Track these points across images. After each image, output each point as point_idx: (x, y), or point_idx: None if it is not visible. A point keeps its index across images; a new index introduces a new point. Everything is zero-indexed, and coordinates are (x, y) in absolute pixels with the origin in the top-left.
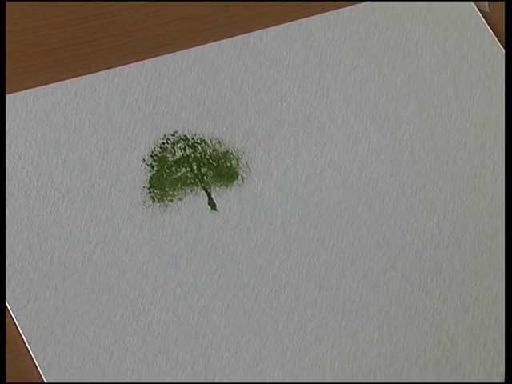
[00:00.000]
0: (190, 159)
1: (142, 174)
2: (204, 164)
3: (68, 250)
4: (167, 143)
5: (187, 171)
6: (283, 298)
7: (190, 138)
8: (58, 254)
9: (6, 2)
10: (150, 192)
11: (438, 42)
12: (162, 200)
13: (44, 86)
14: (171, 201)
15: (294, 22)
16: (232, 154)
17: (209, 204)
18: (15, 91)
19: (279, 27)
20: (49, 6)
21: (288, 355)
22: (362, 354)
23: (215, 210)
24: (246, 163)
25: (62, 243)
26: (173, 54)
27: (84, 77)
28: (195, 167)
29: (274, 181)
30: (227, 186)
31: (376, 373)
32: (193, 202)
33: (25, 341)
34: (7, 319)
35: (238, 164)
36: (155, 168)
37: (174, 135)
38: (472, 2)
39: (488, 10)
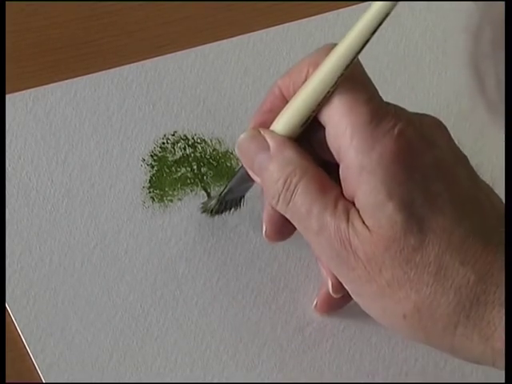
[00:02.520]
0: (190, 159)
1: (142, 174)
2: (204, 164)
3: (67, 250)
4: (167, 143)
5: (187, 171)
6: (282, 300)
7: (189, 137)
8: (57, 254)
9: (6, 2)
10: (149, 192)
11: (438, 42)
12: (161, 200)
13: (44, 86)
14: (171, 201)
15: (294, 22)
16: (232, 153)
17: None
18: (15, 91)
19: (279, 27)
20: (49, 5)
21: (286, 358)
22: (361, 357)
23: None
24: None
25: (61, 244)
26: (173, 54)
27: (84, 77)
28: (195, 167)
29: None
30: None
31: (375, 376)
32: (193, 202)
33: (24, 341)
34: (7, 320)
35: (237, 164)
36: (155, 168)
37: (173, 135)
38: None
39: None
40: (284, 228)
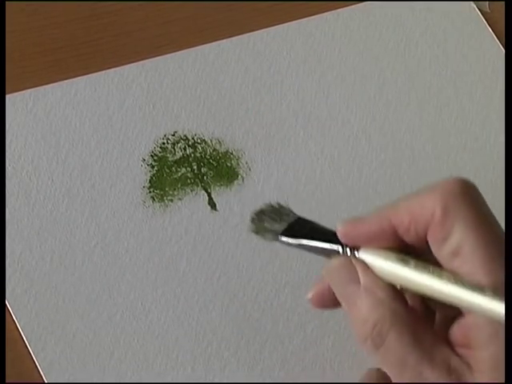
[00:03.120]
0: (190, 159)
1: (142, 174)
2: (204, 164)
3: (68, 249)
4: (167, 143)
5: (187, 171)
6: (283, 297)
7: (190, 137)
8: (58, 253)
9: (6, 2)
10: (150, 192)
11: (438, 42)
12: (162, 200)
13: (44, 86)
14: (171, 201)
15: (293, 22)
16: (232, 153)
17: (209, 204)
18: (15, 91)
19: (279, 27)
20: (49, 5)
21: (288, 355)
22: (363, 354)
23: (215, 209)
24: (246, 163)
25: (62, 243)
26: (173, 54)
27: (84, 77)
28: (195, 167)
29: (274, 181)
30: (227, 186)
31: None
32: (193, 201)
33: (25, 341)
34: (7, 319)
35: (238, 164)
36: (155, 168)
37: (174, 135)
38: (472, 2)
39: (488, 10)
40: (330, 303)
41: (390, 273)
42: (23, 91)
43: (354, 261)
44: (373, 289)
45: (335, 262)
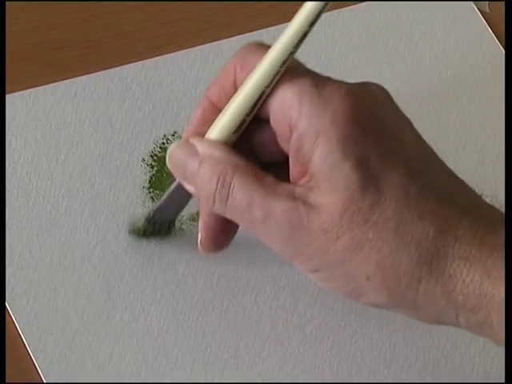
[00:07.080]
0: None
1: (142, 174)
2: None
3: (68, 250)
4: (167, 143)
5: None
6: (282, 299)
7: None
8: (57, 254)
9: (6, 2)
10: (149, 192)
11: (438, 41)
12: None
13: (44, 86)
14: None
15: None
16: None
17: None
18: (15, 91)
19: (279, 27)
20: (49, 5)
21: (287, 356)
22: (362, 355)
23: None
24: None
25: (61, 243)
26: (173, 54)
27: (84, 77)
28: None
29: None
30: None
31: (375, 373)
32: (192, 202)
33: (24, 341)
34: (7, 319)
35: None
36: (155, 168)
37: (173, 135)
38: (472, 2)
39: (488, 11)
40: (220, 236)
41: (223, 126)
42: (23, 91)
43: (190, 138)
44: (210, 152)
45: (172, 146)
